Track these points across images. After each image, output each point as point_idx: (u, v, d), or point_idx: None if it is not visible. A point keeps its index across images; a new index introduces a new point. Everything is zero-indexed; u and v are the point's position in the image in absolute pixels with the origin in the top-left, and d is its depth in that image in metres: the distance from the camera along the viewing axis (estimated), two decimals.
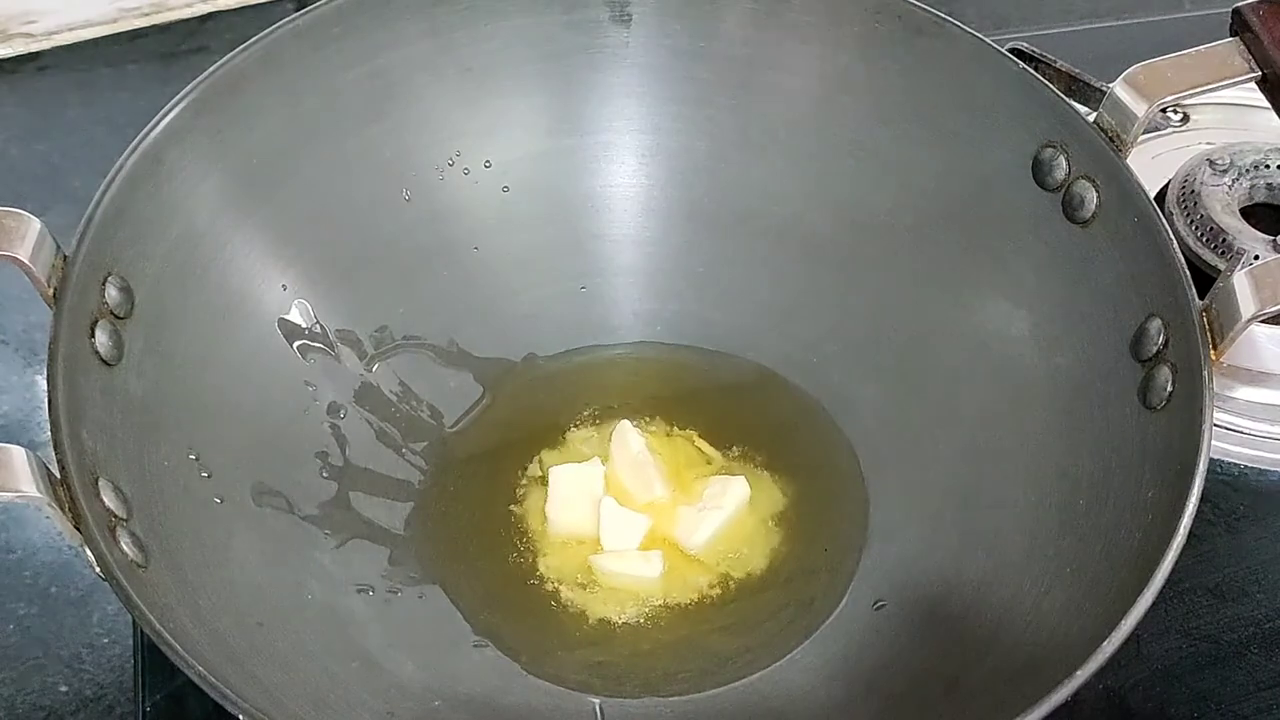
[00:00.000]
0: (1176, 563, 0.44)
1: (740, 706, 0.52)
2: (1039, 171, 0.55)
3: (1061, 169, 0.54)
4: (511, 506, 0.57)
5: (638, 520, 0.56)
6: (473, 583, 0.55)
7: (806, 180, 0.61)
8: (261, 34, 0.55)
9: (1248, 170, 0.66)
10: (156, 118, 0.52)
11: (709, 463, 0.59)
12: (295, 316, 0.57)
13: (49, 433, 0.44)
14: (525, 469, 0.58)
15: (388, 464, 0.58)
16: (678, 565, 0.56)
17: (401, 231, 0.60)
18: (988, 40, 0.56)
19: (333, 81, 0.57)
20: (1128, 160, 0.53)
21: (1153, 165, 0.68)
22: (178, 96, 0.53)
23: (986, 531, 0.54)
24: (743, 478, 0.58)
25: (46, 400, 0.45)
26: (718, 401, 0.61)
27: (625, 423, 0.59)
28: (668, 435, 0.60)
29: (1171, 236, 0.50)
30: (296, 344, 0.57)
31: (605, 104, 0.62)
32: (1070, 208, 0.54)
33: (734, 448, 0.59)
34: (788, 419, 0.60)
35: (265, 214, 0.56)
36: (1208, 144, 0.69)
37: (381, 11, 0.57)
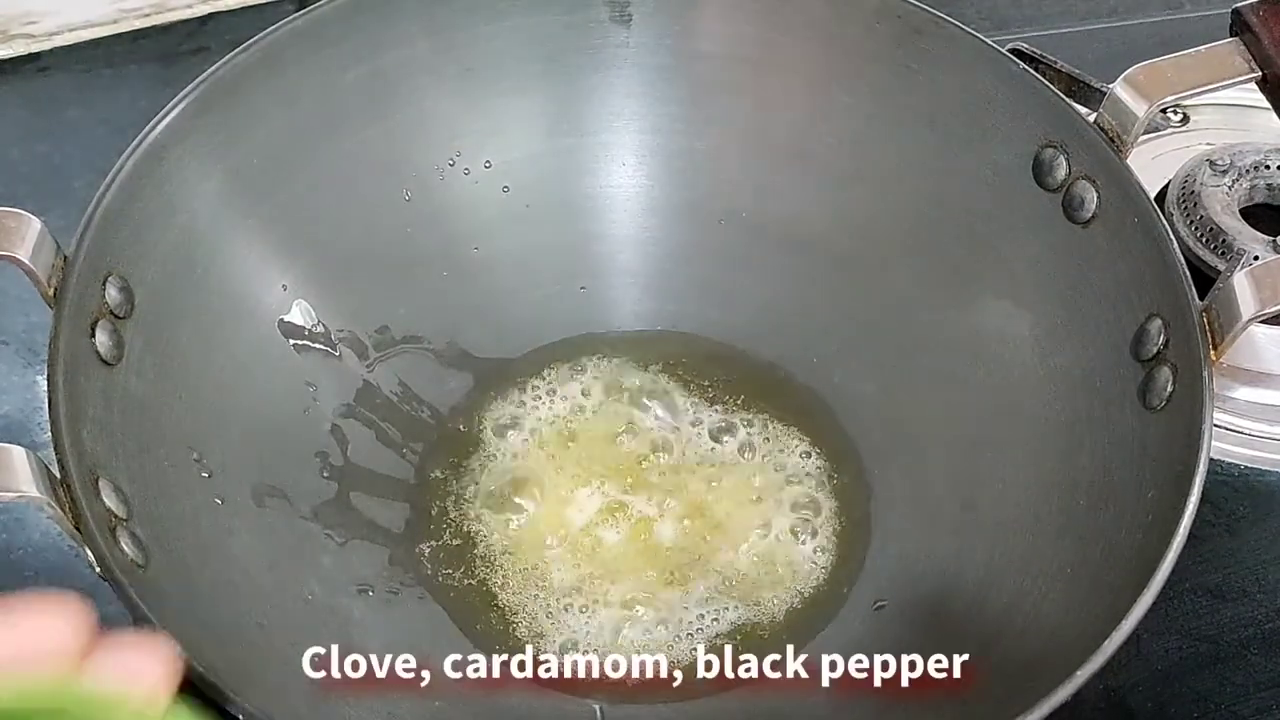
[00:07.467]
0: (1176, 563, 0.44)
1: (742, 708, 0.52)
2: (1039, 171, 0.55)
3: (1062, 169, 0.54)
4: (512, 506, 0.57)
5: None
6: (473, 582, 0.55)
7: (806, 180, 0.61)
8: (261, 34, 0.55)
9: (1248, 171, 0.66)
10: (157, 118, 0.52)
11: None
12: (295, 317, 0.57)
13: (49, 433, 0.44)
14: (524, 466, 0.58)
15: (388, 464, 0.58)
16: (678, 569, 0.56)
17: (401, 231, 0.60)
18: (988, 40, 0.56)
19: (333, 81, 0.57)
20: (1128, 160, 0.53)
21: (1153, 165, 0.68)
22: (178, 96, 0.53)
23: (987, 531, 0.54)
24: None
25: (46, 400, 0.45)
26: (717, 399, 0.61)
27: None
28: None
29: (1171, 237, 0.50)
30: (296, 344, 0.57)
31: (605, 104, 0.62)
32: (1070, 208, 0.54)
33: (731, 446, 0.59)
34: (788, 418, 0.60)
35: (265, 214, 0.56)
36: (1208, 144, 0.69)
37: (381, 11, 0.57)
